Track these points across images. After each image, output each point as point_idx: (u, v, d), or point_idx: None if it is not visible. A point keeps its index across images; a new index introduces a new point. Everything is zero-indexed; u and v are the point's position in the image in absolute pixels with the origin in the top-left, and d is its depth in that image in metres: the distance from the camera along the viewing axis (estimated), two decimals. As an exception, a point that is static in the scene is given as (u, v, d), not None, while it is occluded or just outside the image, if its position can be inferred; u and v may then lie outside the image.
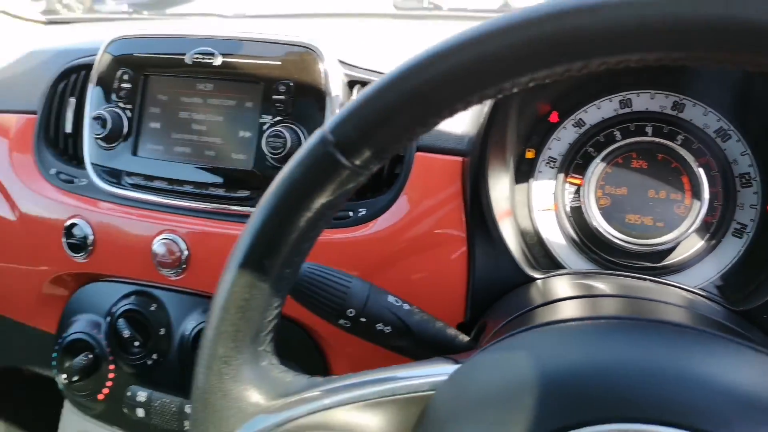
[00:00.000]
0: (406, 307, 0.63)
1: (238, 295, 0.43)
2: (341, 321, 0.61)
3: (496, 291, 0.73)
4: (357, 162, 0.41)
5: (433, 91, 0.38)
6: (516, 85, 0.39)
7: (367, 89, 0.40)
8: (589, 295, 0.58)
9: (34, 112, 0.96)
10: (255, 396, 0.44)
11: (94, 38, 1.06)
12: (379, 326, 0.62)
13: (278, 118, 0.81)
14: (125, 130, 0.87)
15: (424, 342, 0.63)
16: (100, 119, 0.85)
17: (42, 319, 0.98)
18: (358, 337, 0.64)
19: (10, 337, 1.03)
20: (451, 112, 0.40)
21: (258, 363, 0.45)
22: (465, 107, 0.40)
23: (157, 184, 0.86)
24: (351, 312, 0.61)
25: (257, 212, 0.43)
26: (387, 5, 1.51)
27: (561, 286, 0.67)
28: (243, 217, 0.83)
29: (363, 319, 0.61)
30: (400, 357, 0.66)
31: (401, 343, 0.63)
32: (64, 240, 0.89)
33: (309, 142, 0.42)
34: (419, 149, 0.78)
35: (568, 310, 0.55)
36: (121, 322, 0.87)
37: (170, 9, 1.63)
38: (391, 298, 0.63)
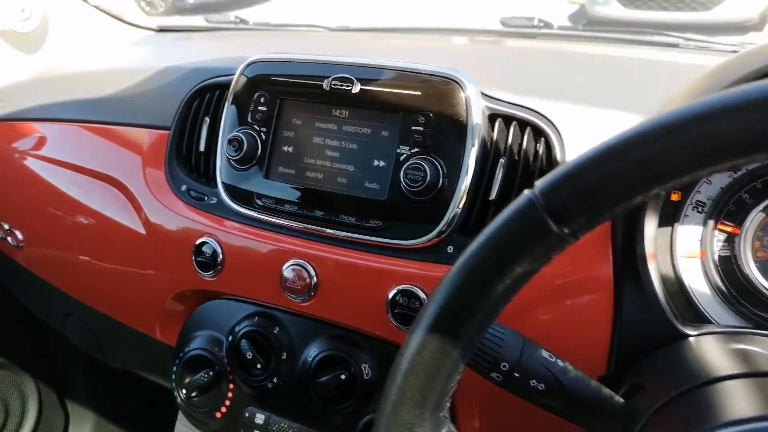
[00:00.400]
0: (560, 363, 0.59)
1: (428, 359, 0.41)
2: (493, 374, 0.59)
3: (644, 344, 0.69)
4: (567, 229, 0.39)
5: (667, 160, 0.36)
6: (748, 162, 0.36)
7: (588, 153, 0.38)
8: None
9: (166, 128, 0.97)
10: None
11: (224, 55, 1.08)
12: (533, 383, 0.58)
13: (416, 149, 0.78)
14: (259, 152, 0.87)
15: (577, 402, 0.59)
16: (236, 141, 0.85)
17: (163, 332, 1.00)
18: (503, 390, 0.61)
19: (132, 345, 1.05)
20: (675, 185, 0.38)
21: (439, 430, 0.43)
22: (691, 180, 0.38)
23: (287, 207, 0.85)
24: (505, 366, 0.58)
25: (454, 275, 0.41)
26: (494, 21, 1.47)
27: (725, 350, 0.62)
28: (373, 247, 0.82)
29: (516, 375, 0.58)
30: (534, 407, 0.62)
31: (552, 401, 0.60)
32: (193, 257, 0.90)
33: (515, 205, 0.39)
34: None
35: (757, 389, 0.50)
36: (244, 342, 0.87)
37: (238, 11, 1.65)
38: (545, 353, 0.60)
